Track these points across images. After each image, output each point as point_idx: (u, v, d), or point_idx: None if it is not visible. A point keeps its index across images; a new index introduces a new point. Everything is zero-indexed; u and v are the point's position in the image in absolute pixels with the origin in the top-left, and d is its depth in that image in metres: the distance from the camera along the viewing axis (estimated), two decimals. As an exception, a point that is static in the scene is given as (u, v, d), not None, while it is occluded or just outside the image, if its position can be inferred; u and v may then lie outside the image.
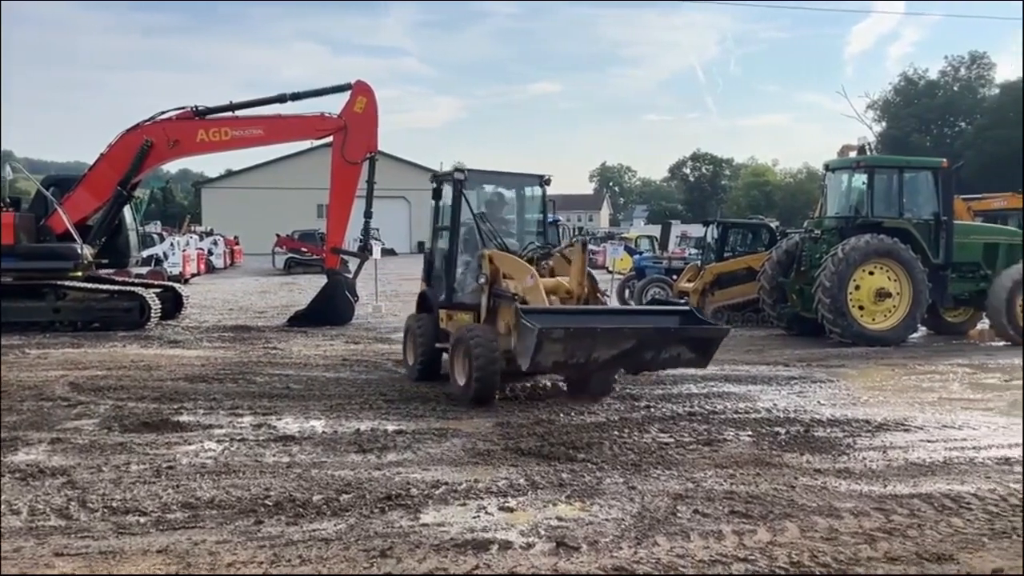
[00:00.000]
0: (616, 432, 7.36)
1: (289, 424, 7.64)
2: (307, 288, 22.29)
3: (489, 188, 10.33)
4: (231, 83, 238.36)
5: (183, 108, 15.94)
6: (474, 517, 5.12)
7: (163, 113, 15.87)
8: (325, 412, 8.13)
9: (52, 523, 4.96)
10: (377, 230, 26.21)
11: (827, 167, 15.84)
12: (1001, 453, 6.79)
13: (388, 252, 41.50)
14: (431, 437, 7.10)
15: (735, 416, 8.12)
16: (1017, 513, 5.28)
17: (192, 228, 42.41)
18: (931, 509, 5.34)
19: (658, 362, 8.26)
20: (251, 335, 14.58)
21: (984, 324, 15.27)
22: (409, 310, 17.09)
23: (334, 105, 16.21)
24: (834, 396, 9.33)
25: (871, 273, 13.80)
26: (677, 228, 39.29)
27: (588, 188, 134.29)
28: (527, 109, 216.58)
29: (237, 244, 44.23)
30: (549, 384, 9.48)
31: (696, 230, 34.02)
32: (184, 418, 7.83)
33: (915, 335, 14.69)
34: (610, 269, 23.47)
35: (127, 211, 16.51)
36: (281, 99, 16.19)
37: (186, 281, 26.09)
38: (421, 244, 60.54)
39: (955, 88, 71.76)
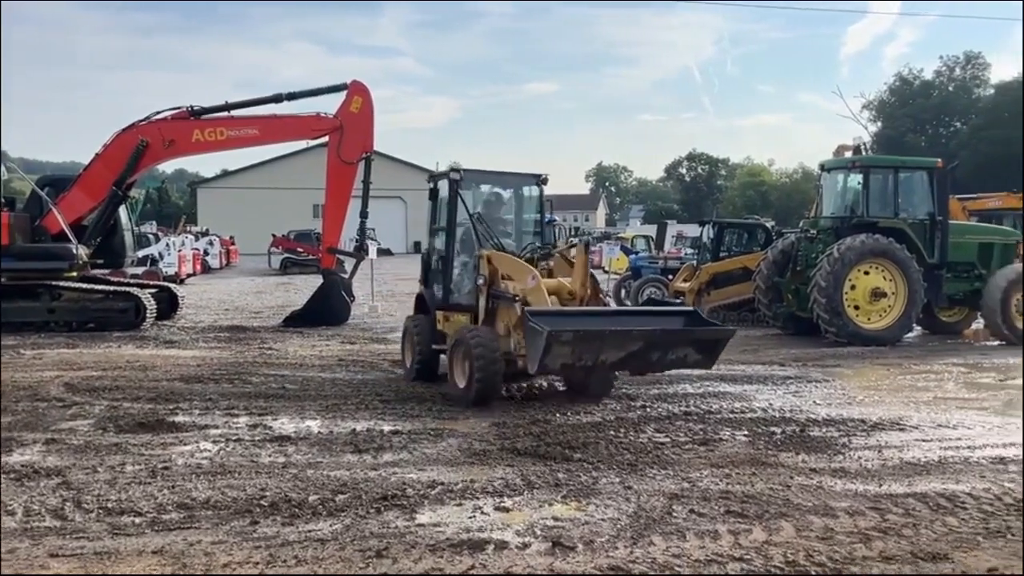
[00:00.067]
0: (612, 432, 7.36)
1: (285, 424, 7.63)
2: (303, 288, 22.26)
3: (486, 188, 10.28)
4: (227, 83, 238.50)
5: (178, 108, 15.92)
6: (470, 517, 5.11)
7: (158, 113, 15.85)
8: (321, 412, 8.12)
9: (47, 524, 4.95)
10: (373, 230, 26.17)
11: (823, 167, 15.87)
12: (996, 452, 6.80)
13: (384, 252, 41.47)
14: (427, 437, 7.10)
15: (731, 416, 8.13)
16: (1012, 512, 5.30)
17: (188, 228, 42.37)
18: (926, 508, 5.35)
19: (664, 363, 8.19)
20: (247, 335, 14.56)
21: (979, 324, 15.33)
22: (405, 310, 17.06)
23: (330, 105, 16.22)
24: (830, 396, 9.35)
25: (866, 273, 13.83)
26: (673, 228, 39.34)
27: (584, 188, 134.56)
28: (523, 109, 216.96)
29: (233, 244, 44.14)
30: (545, 384, 9.49)
31: (692, 230, 34.05)
32: (180, 418, 7.81)
33: (910, 335, 14.72)
34: (606, 269, 23.50)
35: (122, 211, 16.49)
36: (277, 99, 16.16)
37: (182, 281, 26.05)
38: (417, 244, 60.47)
39: (950, 88, 71.93)
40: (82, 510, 5.18)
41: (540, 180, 10.04)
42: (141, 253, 24.24)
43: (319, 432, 7.30)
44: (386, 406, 8.42)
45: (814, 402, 8.93)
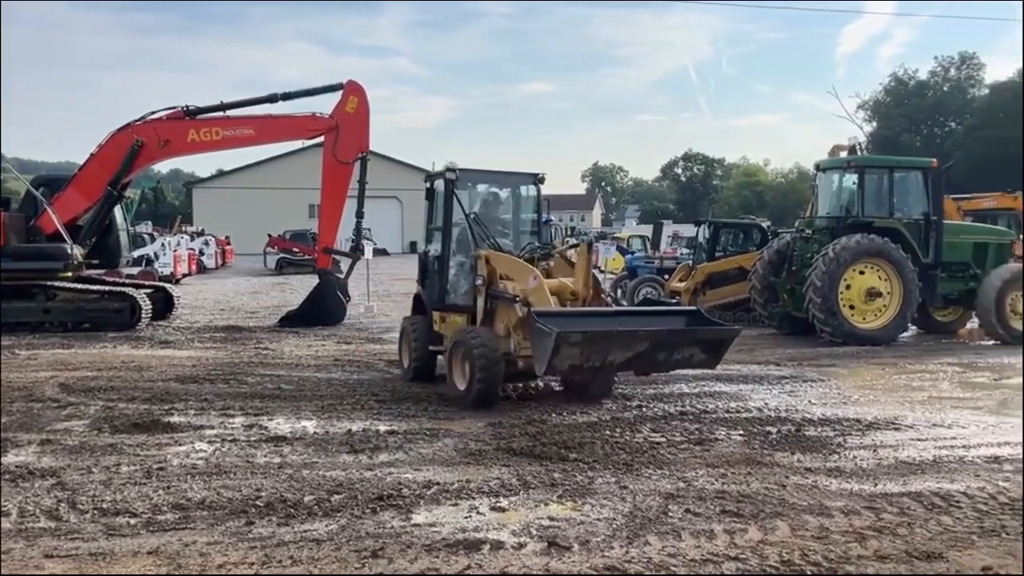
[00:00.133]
0: (608, 432, 7.37)
1: (280, 425, 7.62)
2: (299, 288, 22.25)
3: (483, 187, 10.18)
4: (225, 83, 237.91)
5: (174, 108, 15.89)
6: (466, 517, 5.12)
7: (153, 113, 15.83)
8: (317, 413, 8.12)
9: (42, 525, 4.94)
10: (369, 230, 26.21)
11: (818, 167, 15.88)
12: (990, 452, 6.82)
13: (380, 252, 41.35)
14: (423, 437, 7.09)
15: (726, 415, 8.14)
16: (1006, 511, 5.31)
17: (183, 228, 42.31)
18: (921, 508, 5.37)
19: (670, 363, 8.12)
20: (242, 336, 14.54)
21: (974, 323, 15.37)
22: (401, 310, 17.04)
23: (326, 105, 16.19)
24: (825, 395, 9.36)
25: (862, 273, 13.86)
26: (669, 228, 39.41)
27: (580, 188, 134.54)
28: (520, 109, 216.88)
29: (228, 244, 44.07)
30: (541, 384, 9.48)
31: (688, 230, 34.08)
32: (175, 419, 7.80)
33: (905, 334, 14.75)
34: (602, 269, 23.50)
35: (117, 211, 16.45)
36: (272, 99, 16.14)
37: (177, 281, 26.01)
38: (413, 244, 60.32)
39: (945, 88, 72.16)
40: (77, 511, 5.17)
41: (537, 179, 9.94)
42: (136, 253, 24.18)
43: (315, 432, 7.30)
44: (382, 406, 8.42)
45: (809, 402, 8.95)
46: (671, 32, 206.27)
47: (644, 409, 8.37)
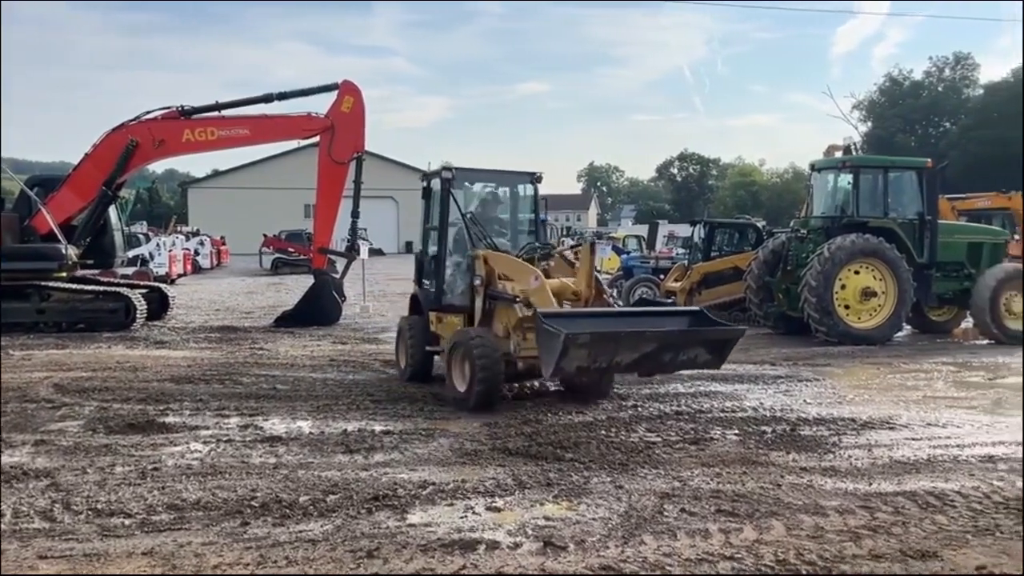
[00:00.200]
0: (603, 431, 7.37)
1: (276, 425, 7.61)
2: (294, 288, 22.21)
3: (480, 187, 10.11)
4: (219, 83, 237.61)
5: (168, 108, 15.86)
6: (461, 517, 5.12)
7: (148, 113, 15.80)
8: (312, 413, 8.11)
9: (36, 525, 4.93)
10: (364, 230, 26.12)
11: (813, 167, 15.92)
12: (985, 451, 6.84)
13: (376, 252, 41.42)
14: (418, 437, 7.09)
15: (722, 415, 8.15)
16: (1000, 510, 5.33)
17: (178, 228, 42.17)
18: (915, 507, 5.38)
19: (676, 364, 8.01)
20: (238, 336, 14.52)
21: (968, 323, 15.41)
22: (396, 310, 17.02)
23: (321, 105, 16.21)
24: (820, 395, 9.38)
25: (857, 272, 13.88)
26: (664, 228, 39.42)
27: (576, 188, 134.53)
28: (515, 109, 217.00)
29: (224, 244, 44.02)
30: (537, 384, 9.48)
31: (683, 230, 34.14)
32: (170, 419, 7.79)
33: (900, 334, 14.78)
34: (598, 269, 23.49)
35: (112, 211, 16.42)
36: (267, 99, 16.12)
37: (172, 282, 25.96)
38: (409, 244, 60.03)
39: (939, 88, 72.31)
40: (71, 511, 5.16)
41: (535, 178, 9.83)
42: (131, 253, 24.08)
43: (310, 432, 7.29)
44: (377, 406, 8.41)
45: (804, 401, 8.96)
46: (666, 32, 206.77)
47: (639, 409, 8.38)
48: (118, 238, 16.83)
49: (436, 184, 9.59)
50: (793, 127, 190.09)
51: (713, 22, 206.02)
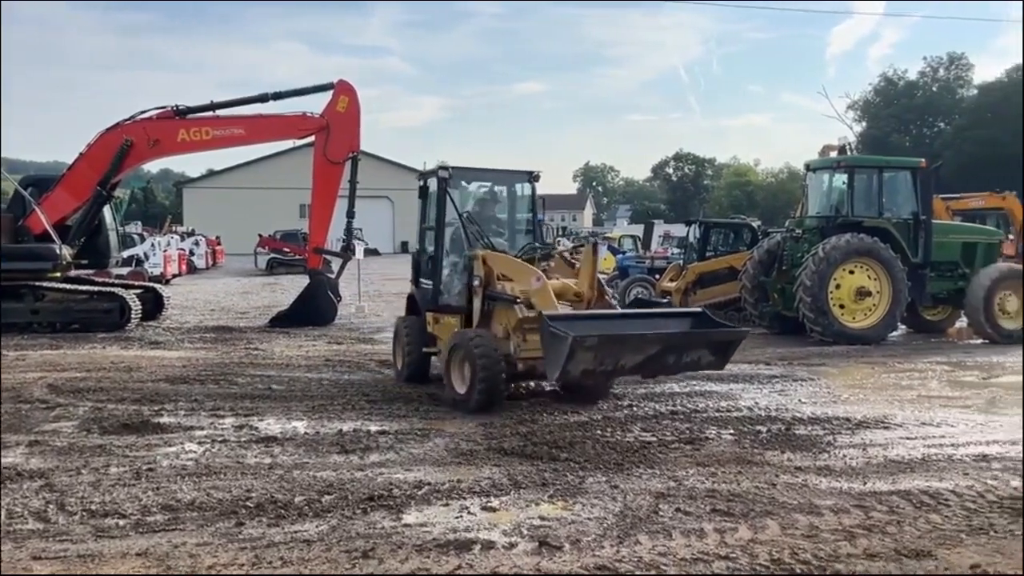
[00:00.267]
0: (599, 431, 7.37)
1: (271, 425, 7.60)
2: (289, 288, 22.19)
3: (477, 186, 10.02)
4: (215, 83, 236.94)
5: (163, 107, 15.82)
6: (456, 517, 5.11)
7: (143, 112, 15.76)
8: (307, 413, 8.10)
9: (30, 526, 4.92)
10: (360, 230, 26.08)
11: (808, 167, 15.94)
12: (979, 450, 6.86)
13: (371, 252, 41.34)
14: (414, 437, 7.09)
15: (717, 415, 8.16)
16: (994, 509, 5.34)
17: (173, 228, 42.12)
18: (910, 506, 5.39)
19: (680, 366, 7.96)
20: (233, 336, 14.49)
21: (963, 322, 15.45)
22: (392, 310, 17.00)
23: (316, 104, 16.17)
24: (815, 394, 9.40)
25: (851, 272, 13.91)
26: (660, 228, 39.46)
27: (571, 188, 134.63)
28: (511, 109, 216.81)
29: (219, 244, 43.91)
30: (532, 384, 9.47)
31: (678, 230, 34.15)
32: (165, 420, 7.77)
33: (895, 333, 14.81)
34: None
35: (107, 211, 16.37)
36: (263, 99, 16.09)
37: (167, 282, 25.91)
38: (405, 244, 59.77)
39: (934, 89, 72.50)
40: (65, 512, 5.14)
41: (532, 177, 9.73)
42: (126, 253, 24.08)
43: (305, 433, 7.28)
44: (373, 406, 8.40)
45: (799, 401, 8.98)
46: (662, 32, 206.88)
47: (635, 408, 8.38)
48: (113, 238, 16.78)
49: (433, 183, 9.48)
50: (788, 127, 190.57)
51: (709, 22, 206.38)
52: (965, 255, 15.02)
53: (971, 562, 4.47)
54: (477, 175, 9.97)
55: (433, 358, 9.64)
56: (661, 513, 5.19)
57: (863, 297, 13.86)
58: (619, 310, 8.86)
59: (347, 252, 16.81)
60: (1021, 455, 6.69)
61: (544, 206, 10.09)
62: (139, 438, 7.07)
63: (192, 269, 34.94)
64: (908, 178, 14.79)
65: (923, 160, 15.54)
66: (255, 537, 4.74)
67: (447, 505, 5.34)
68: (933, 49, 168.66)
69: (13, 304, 14.63)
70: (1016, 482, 5.93)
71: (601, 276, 8.90)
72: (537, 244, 9.54)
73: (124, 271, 22.04)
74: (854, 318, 13.90)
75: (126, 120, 15.66)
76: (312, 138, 15.97)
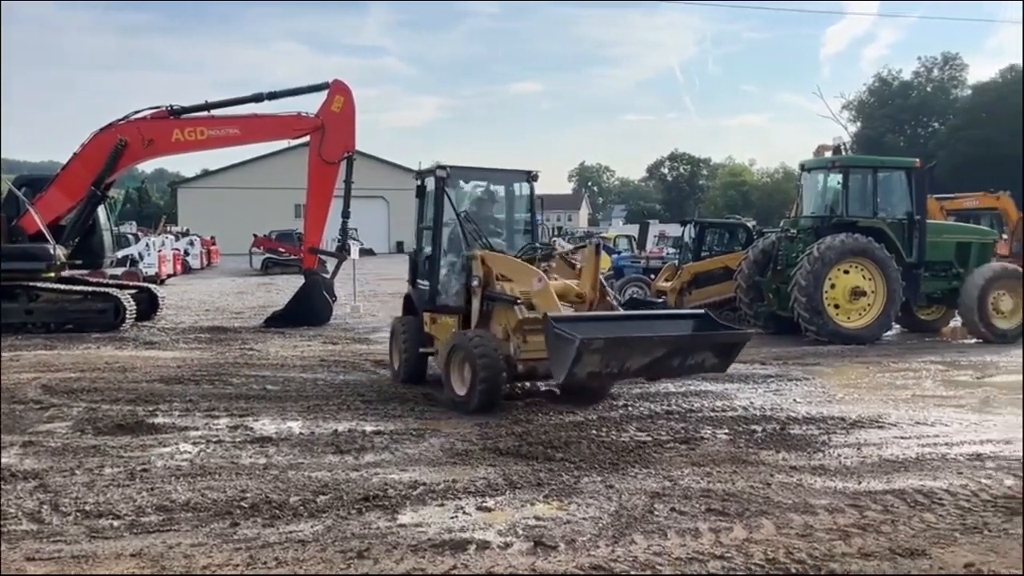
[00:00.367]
0: (594, 431, 7.38)
1: (266, 425, 7.59)
2: (284, 288, 22.16)
3: (474, 185, 9.94)
4: (210, 83, 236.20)
5: (158, 107, 15.79)
6: (452, 517, 5.11)
7: (137, 112, 15.72)
8: (302, 413, 8.09)
9: (24, 527, 4.90)
10: (355, 230, 26.15)
11: (803, 167, 15.97)
12: (973, 449, 6.88)
13: (366, 252, 41.27)
14: (409, 437, 7.08)
15: (712, 414, 8.17)
16: (988, 508, 5.36)
17: (168, 228, 42.02)
18: (904, 505, 5.40)
19: (684, 368, 7.94)
20: (228, 336, 14.47)
21: (956, 322, 15.49)
22: (387, 310, 16.99)
23: (311, 104, 16.14)
24: (810, 394, 9.41)
25: (846, 272, 13.94)
26: (655, 228, 39.55)
27: (567, 188, 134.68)
28: (507, 109, 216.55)
29: (214, 244, 43.86)
30: (527, 384, 9.47)
31: (674, 230, 34.16)
32: (159, 420, 7.76)
33: (889, 333, 14.85)
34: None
35: (101, 211, 16.33)
36: (257, 98, 16.08)
37: (162, 282, 25.86)
38: (400, 244, 59.57)
39: (928, 89, 72.69)
40: (59, 513, 5.13)
41: (531, 177, 9.65)
42: (120, 253, 24.02)
43: (300, 433, 7.27)
44: (368, 406, 8.39)
45: (794, 400, 8.99)
46: (658, 32, 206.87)
47: (630, 408, 8.39)
48: (107, 238, 16.74)
49: (430, 183, 9.40)
50: (783, 127, 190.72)
51: (704, 22, 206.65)
52: (959, 255, 15.06)
53: (965, 561, 4.48)
54: (475, 174, 9.88)
55: (430, 358, 9.61)
56: (656, 513, 5.19)
57: (858, 297, 13.90)
58: (623, 312, 8.78)
59: (342, 252, 16.80)
60: (1017, 454, 6.71)
61: (543, 206, 10.05)
62: (133, 439, 7.05)
63: (187, 269, 34.88)
64: (902, 178, 14.84)
65: (917, 160, 15.59)
66: (250, 537, 4.73)
67: (442, 505, 5.34)
68: (927, 49, 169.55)
69: (7, 304, 14.58)
70: (1010, 481, 5.95)
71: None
72: (537, 244, 9.47)
73: (119, 271, 22.00)
74: (849, 318, 13.94)
75: (120, 120, 15.63)
76: (307, 138, 15.96)
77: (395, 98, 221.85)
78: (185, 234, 40.75)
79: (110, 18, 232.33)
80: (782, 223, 17.03)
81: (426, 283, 9.47)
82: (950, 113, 69.26)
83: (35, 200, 15.40)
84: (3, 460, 6.33)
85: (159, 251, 28.53)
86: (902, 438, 7.27)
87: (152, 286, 18.71)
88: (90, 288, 15.57)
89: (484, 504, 5.36)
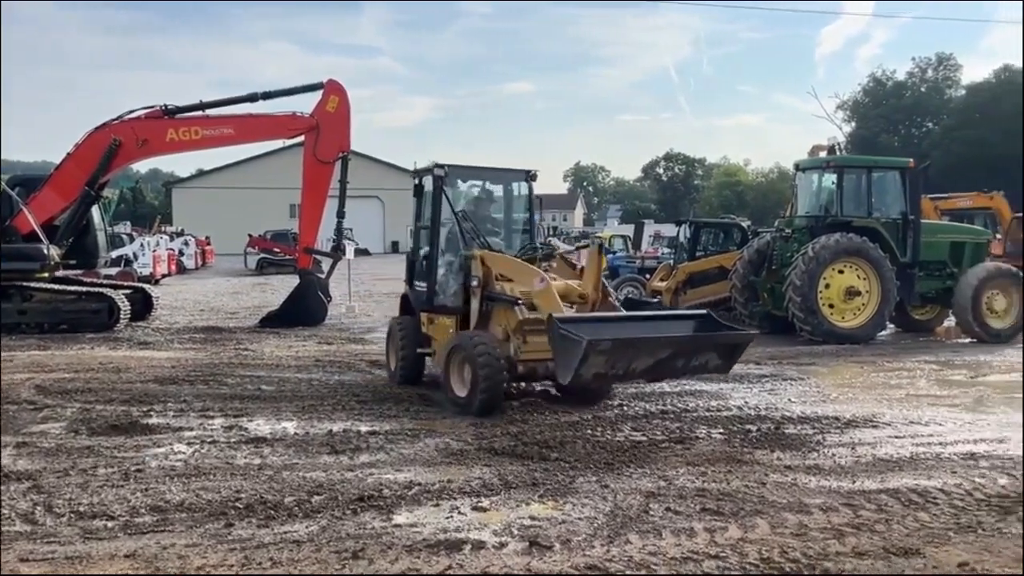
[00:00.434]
0: (589, 431, 7.38)
1: (261, 426, 7.57)
2: (279, 289, 22.12)
3: (472, 184, 9.86)
4: (204, 83, 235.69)
5: (152, 107, 15.75)
6: (447, 517, 5.11)
7: (131, 112, 15.69)
8: (297, 413, 8.07)
9: (17, 528, 4.89)
10: (350, 230, 26.07)
11: (797, 167, 16.01)
12: (967, 448, 6.90)
13: (361, 252, 41.28)
14: (404, 438, 7.08)
15: (707, 414, 8.18)
16: (982, 507, 5.38)
17: (162, 228, 41.92)
18: (898, 504, 5.42)
19: (688, 369, 7.89)
20: (222, 336, 14.44)
21: (951, 321, 15.53)
22: (383, 310, 16.97)
23: (306, 104, 16.17)
24: (804, 393, 9.43)
25: (841, 272, 13.97)
26: (650, 227, 39.57)
27: (562, 188, 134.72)
28: (502, 109, 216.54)
29: (208, 244, 43.76)
30: (523, 384, 9.46)
31: (669, 229, 34.21)
32: (153, 420, 7.74)
33: (883, 333, 14.88)
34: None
35: (95, 211, 16.28)
36: (252, 98, 16.05)
37: (156, 282, 25.80)
38: (395, 244, 59.37)
39: (922, 89, 72.85)
40: (53, 514, 5.11)
41: (529, 176, 9.59)
42: (115, 253, 23.97)
43: (295, 433, 7.26)
44: (363, 407, 8.38)
45: (789, 400, 9.01)
46: (653, 32, 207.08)
47: (625, 408, 8.39)
48: (101, 238, 16.69)
49: (428, 182, 9.31)
50: (778, 127, 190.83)
51: (700, 22, 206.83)
52: (953, 255, 15.11)
53: (959, 560, 4.50)
54: (473, 173, 9.80)
55: (427, 359, 9.57)
56: (651, 512, 5.20)
57: (852, 296, 13.92)
58: (626, 312, 8.72)
59: (337, 252, 16.78)
60: (1011, 453, 6.73)
61: (542, 205, 10.00)
62: (128, 439, 7.04)
63: (181, 269, 34.79)
64: (897, 178, 14.87)
65: (911, 160, 15.61)
66: (244, 538, 4.72)
67: (437, 505, 5.34)
68: (921, 50, 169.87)
69: (1, 304, 14.52)
70: (1003, 480, 5.97)
71: None
72: (538, 244, 9.41)
73: (113, 271, 21.95)
74: (843, 317, 13.96)
75: (114, 120, 15.59)
76: (302, 138, 15.93)
77: (389, 98, 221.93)
78: (180, 234, 40.64)
79: (103, 17, 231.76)
80: (777, 223, 17.06)
81: (424, 283, 9.38)
82: (944, 113, 69.44)
83: (29, 200, 15.34)
84: (-4, 461, 6.31)
85: (153, 251, 28.49)
86: (896, 437, 7.29)
87: (146, 286, 18.66)
88: (84, 288, 15.52)
89: (479, 504, 5.36)
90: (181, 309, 19.49)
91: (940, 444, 7.05)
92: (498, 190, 9.91)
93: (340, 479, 5.86)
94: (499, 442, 6.92)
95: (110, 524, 4.94)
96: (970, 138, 58.43)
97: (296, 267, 17.95)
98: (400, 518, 5.09)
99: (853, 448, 6.90)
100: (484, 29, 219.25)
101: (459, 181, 9.66)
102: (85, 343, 13.39)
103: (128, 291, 16.57)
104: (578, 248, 9.36)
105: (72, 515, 5.09)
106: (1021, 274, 14.70)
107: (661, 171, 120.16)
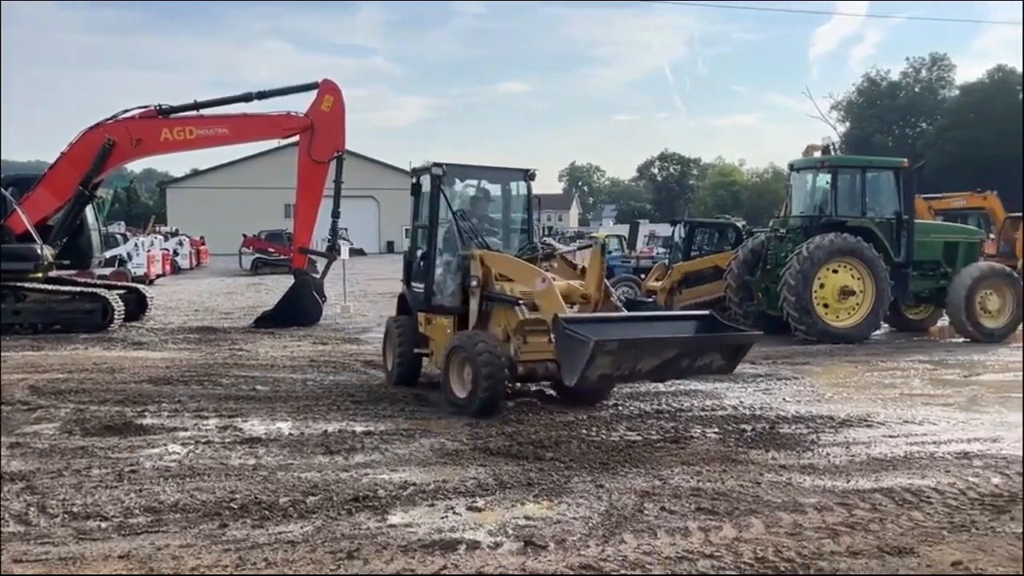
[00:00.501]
0: (584, 431, 7.38)
1: (255, 426, 7.56)
2: (274, 289, 22.09)
3: (470, 184, 9.79)
4: (199, 82, 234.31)
5: (146, 107, 15.72)
6: (442, 517, 5.11)
7: (126, 111, 15.66)
8: (292, 414, 8.06)
9: (11, 529, 4.87)
10: (345, 230, 26.00)
11: (792, 167, 16.03)
12: (960, 448, 6.92)
13: (356, 252, 41.26)
14: (399, 438, 7.07)
15: (702, 414, 8.19)
16: (976, 507, 5.39)
17: (157, 228, 41.89)
18: (892, 503, 5.43)
19: (692, 370, 7.84)
20: (217, 336, 14.42)
21: (944, 321, 15.58)
22: (378, 310, 16.97)
23: (301, 104, 16.11)
24: (799, 393, 9.45)
25: (835, 271, 14.00)
26: (645, 227, 39.65)
27: (557, 188, 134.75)
28: (496, 109, 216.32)
29: (203, 244, 43.72)
30: (518, 384, 9.45)
31: (664, 229, 34.30)
32: (148, 421, 7.72)
33: (878, 332, 14.92)
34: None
35: (89, 211, 16.25)
36: (247, 98, 16.02)
37: (151, 282, 25.76)
38: (391, 244, 59.30)
39: (916, 89, 73.10)
40: (47, 515, 5.10)
41: (528, 175, 9.54)
42: (109, 253, 23.92)
43: (290, 434, 7.25)
44: (358, 407, 8.37)
45: (784, 399, 9.03)
46: (648, 33, 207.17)
47: (620, 408, 8.40)
48: (95, 238, 16.67)
49: (426, 181, 9.26)
50: (773, 127, 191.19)
51: (694, 22, 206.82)
52: (947, 254, 15.15)
53: (953, 559, 4.51)
54: (471, 173, 9.74)
55: (423, 359, 9.54)
56: (646, 512, 5.20)
57: (847, 296, 13.96)
58: (629, 313, 8.69)
59: (332, 252, 16.78)
60: (1005, 452, 6.75)
61: (540, 205, 9.98)
62: (122, 439, 7.02)
63: (176, 269, 34.76)
64: (891, 178, 14.92)
65: (905, 160, 15.67)
66: (239, 539, 4.72)
67: (432, 505, 5.33)
68: (915, 50, 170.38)
69: (-5, 305, 14.50)
70: (997, 479, 5.98)
71: None
72: (538, 244, 9.37)
73: (107, 271, 21.91)
74: (838, 317, 14.00)
75: (109, 119, 15.56)
76: (297, 138, 15.91)
77: (383, 98, 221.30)
78: (174, 234, 40.62)
79: (97, 17, 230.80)
80: (771, 223, 17.09)
81: (421, 283, 9.30)
82: (938, 113, 69.70)
83: (22, 200, 15.30)
84: (-10, 462, 6.30)
85: (148, 251, 28.41)
86: (890, 437, 7.31)
87: (141, 286, 18.62)
88: (78, 288, 15.49)
89: (474, 504, 5.36)
90: (175, 309, 19.45)
91: (934, 443, 7.07)
92: (496, 189, 9.85)
93: (335, 479, 5.85)
94: (494, 442, 6.92)
95: (104, 525, 4.92)
96: (964, 138, 58.65)
97: (291, 267, 17.93)
98: (395, 518, 5.09)
99: (847, 447, 6.92)
100: (478, 29, 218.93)
101: (457, 180, 9.59)
102: (79, 343, 13.36)
103: (122, 291, 16.54)
104: (580, 248, 9.31)
105: (66, 516, 5.08)
106: (1015, 274, 14.76)
107: (656, 171, 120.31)
